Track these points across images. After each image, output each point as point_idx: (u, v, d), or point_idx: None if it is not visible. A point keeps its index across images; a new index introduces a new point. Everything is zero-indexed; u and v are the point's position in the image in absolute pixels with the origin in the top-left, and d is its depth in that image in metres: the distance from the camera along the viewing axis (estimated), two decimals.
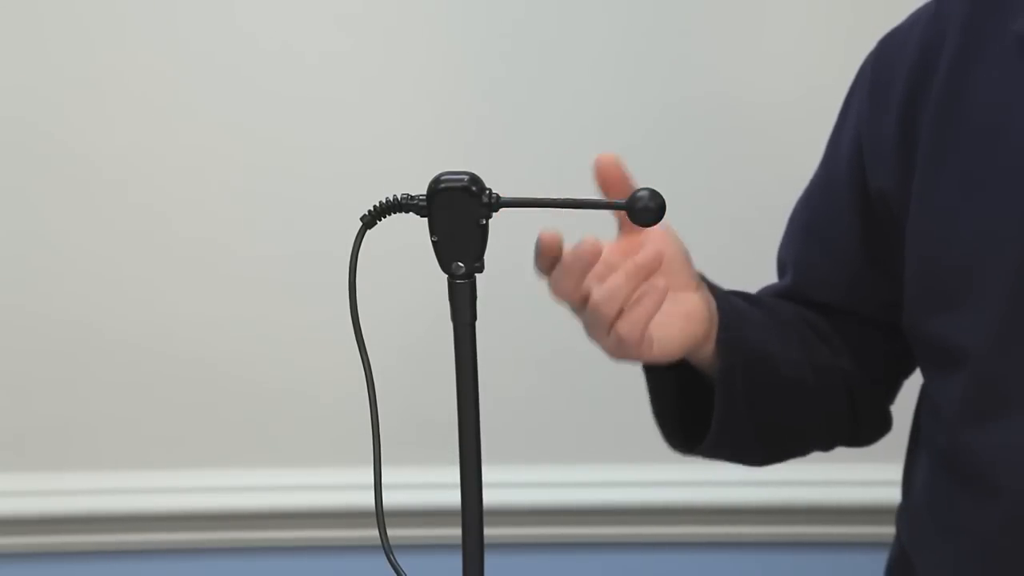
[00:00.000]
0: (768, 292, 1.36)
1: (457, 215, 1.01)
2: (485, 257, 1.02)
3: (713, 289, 1.23)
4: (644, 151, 1.86)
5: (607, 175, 1.13)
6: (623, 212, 1.05)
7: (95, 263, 1.91)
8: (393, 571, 1.03)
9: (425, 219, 1.01)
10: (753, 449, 1.32)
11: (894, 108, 1.25)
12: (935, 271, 1.22)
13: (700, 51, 1.87)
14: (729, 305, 1.23)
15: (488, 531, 1.04)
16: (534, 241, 1.83)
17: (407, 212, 1.02)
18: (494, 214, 1.01)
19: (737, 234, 1.82)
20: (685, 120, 1.87)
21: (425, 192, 1.01)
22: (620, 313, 1.12)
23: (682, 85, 1.87)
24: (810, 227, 1.34)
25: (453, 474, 1.04)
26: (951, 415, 1.23)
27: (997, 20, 1.21)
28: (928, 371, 1.29)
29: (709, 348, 1.22)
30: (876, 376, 1.35)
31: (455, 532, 1.04)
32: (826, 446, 1.38)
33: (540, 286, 1.90)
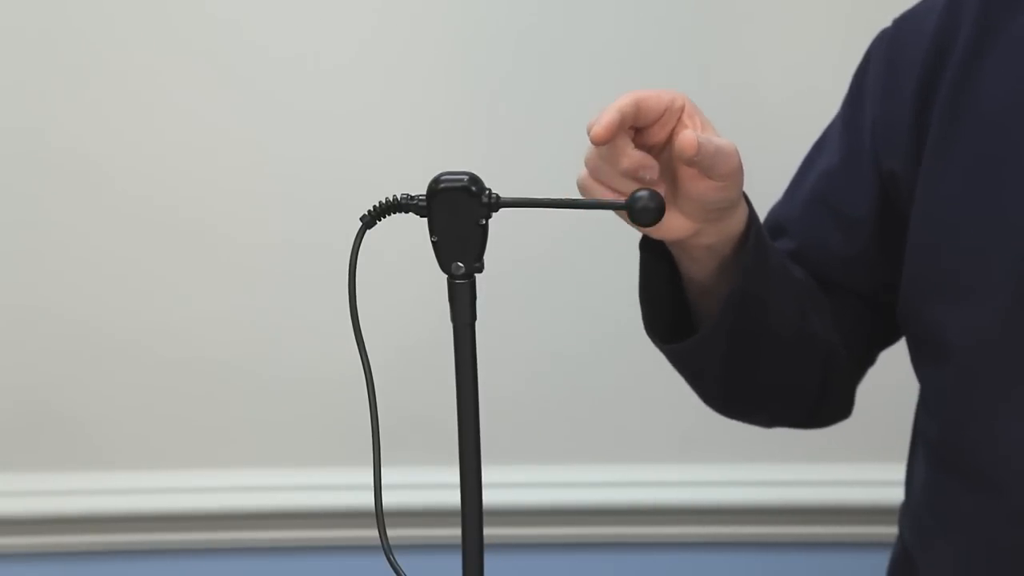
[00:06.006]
0: None
1: (457, 215, 1.01)
2: (485, 257, 1.02)
3: (751, 211, 1.21)
4: None
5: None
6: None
7: (93, 268, 1.91)
8: (393, 571, 1.03)
9: (425, 219, 1.01)
10: (711, 383, 1.29)
11: (908, 92, 1.24)
12: (937, 261, 1.22)
13: (705, 50, 1.88)
14: (758, 230, 1.20)
15: (488, 531, 1.04)
16: (534, 241, 1.84)
17: (407, 212, 1.02)
18: (494, 214, 1.01)
19: None
20: None
21: (425, 192, 1.01)
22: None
23: (686, 84, 1.87)
24: (827, 201, 1.31)
25: (453, 474, 1.04)
26: (946, 409, 1.23)
27: (1012, 12, 1.21)
28: (922, 362, 1.28)
29: (712, 251, 1.19)
30: (856, 355, 1.35)
31: (455, 532, 1.04)
32: (779, 419, 1.36)
33: (540, 286, 1.92)
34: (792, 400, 1.34)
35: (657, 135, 1.12)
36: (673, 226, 1.15)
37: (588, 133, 1.11)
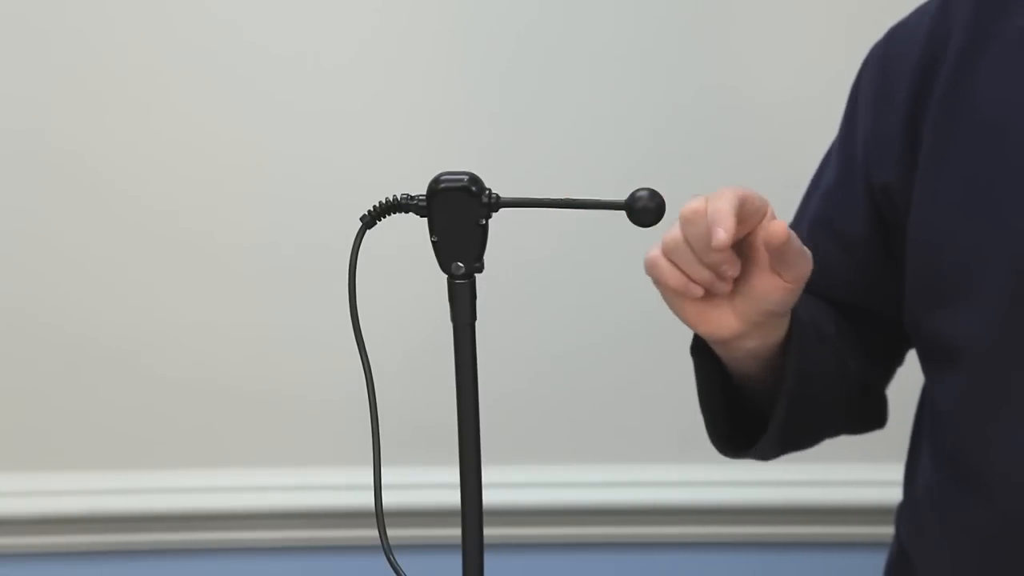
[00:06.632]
0: None
1: (457, 215, 1.01)
2: (485, 257, 1.02)
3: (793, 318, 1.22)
4: (646, 152, 1.87)
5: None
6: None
7: (94, 265, 1.91)
8: (393, 571, 1.03)
9: (425, 219, 1.01)
10: (769, 456, 1.32)
11: (900, 103, 1.25)
12: (936, 267, 1.22)
13: (706, 51, 1.87)
14: (800, 332, 1.21)
15: (488, 531, 1.04)
16: (534, 241, 1.84)
17: (407, 212, 1.02)
18: (494, 214, 1.01)
19: None
20: (689, 120, 1.87)
21: (425, 192, 1.01)
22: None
23: (686, 86, 1.87)
24: (827, 223, 1.32)
25: (453, 474, 1.04)
26: (951, 413, 1.23)
27: (1003, 16, 1.21)
28: (928, 368, 1.29)
29: (756, 352, 1.20)
30: (878, 369, 1.36)
31: (455, 532, 1.04)
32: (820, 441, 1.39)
33: (540, 286, 1.91)
34: (831, 429, 1.37)
35: (739, 232, 1.12)
36: (722, 325, 1.16)
37: (681, 217, 1.10)
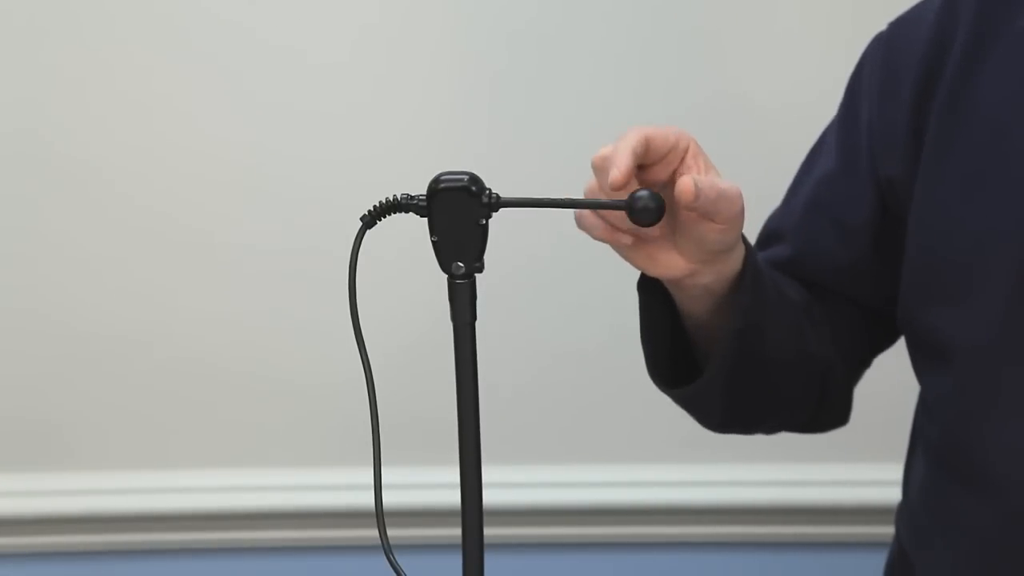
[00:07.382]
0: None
1: (457, 215, 1.01)
2: (485, 257, 1.02)
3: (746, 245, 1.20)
4: None
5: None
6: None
7: (93, 263, 1.91)
8: (393, 571, 1.03)
9: (425, 219, 1.01)
10: (712, 414, 1.30)
11: (906, 96, 1.25)
12: (934, 264, 1.22)
13: (705, 52, 1.87)
14: (755, 268, 1.20)
15: (488, 531, 1.04)
16: (534, 241, 1.84)
17: (407, 212, 1.02)
18: (494, 214, 1.01)
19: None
20: (688, 121, 1.85)
21: (425, 192, 1.01)
22: None
23: (685, 86, 1.87)
24: (825, 207, 1.32)
25: (453, 474, 1.04)
26: (946, 411, 1.23)
27: (1006, 16, 1.21)
28: (922, 366, 1.28)
29: (708, 289, 1.19)
30: (853, 363, 1.35)
31: (455, 532, 1.04)
32: (775, 430, 1.37)
33: (539, 286, 1.91)
34: (790, 414, 1.34)
35: (660, 174, 1.12)
36: (671, 265, 1.15)
37: (592, 166, 1.10)
